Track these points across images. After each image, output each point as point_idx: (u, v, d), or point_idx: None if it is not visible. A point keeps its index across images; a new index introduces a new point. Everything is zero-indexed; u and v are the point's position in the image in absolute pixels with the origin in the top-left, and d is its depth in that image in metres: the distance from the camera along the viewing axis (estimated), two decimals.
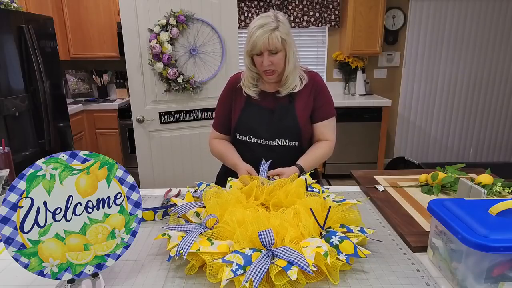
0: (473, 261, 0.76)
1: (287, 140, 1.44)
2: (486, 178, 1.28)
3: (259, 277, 0.78)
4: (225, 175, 1.49)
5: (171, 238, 0.93)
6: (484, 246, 0.72)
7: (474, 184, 1.17)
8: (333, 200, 1.11)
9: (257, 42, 1.30)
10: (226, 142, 1.55)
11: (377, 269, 0.90)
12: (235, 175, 1.35)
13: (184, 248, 0.86)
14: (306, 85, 1.44)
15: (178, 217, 1.05)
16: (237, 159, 1.43)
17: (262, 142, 1.45)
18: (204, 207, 1.06)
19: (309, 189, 1.15)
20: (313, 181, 1.22)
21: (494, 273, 0.76)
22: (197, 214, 1.06)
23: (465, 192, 1.18)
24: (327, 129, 1.48)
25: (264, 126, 1.44)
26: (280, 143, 1.44)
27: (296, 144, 1.45)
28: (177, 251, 0.87)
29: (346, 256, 0.86)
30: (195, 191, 1.23)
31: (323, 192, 1.18)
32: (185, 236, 0.90)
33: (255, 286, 0.77)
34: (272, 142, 1.44)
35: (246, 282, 0.77)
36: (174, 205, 1.15)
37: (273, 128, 1.43)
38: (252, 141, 1.46)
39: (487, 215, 0.82)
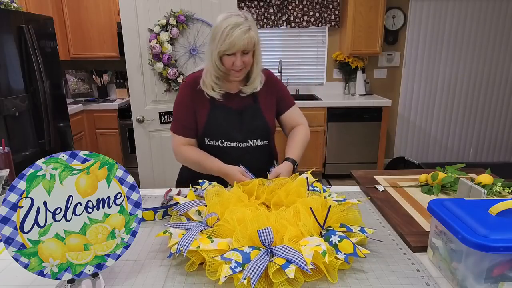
0: (473, 261, 0.76)
1: (258, 140, 1.44)
2: (486, 178, 1.28)
3: (257, 274, 0.78)
4: (187, 179, 1.47)
5: (172, 235, 0.94)
6: (484, 246, 0.72)
7: (474, 184, 1.17)
8: (334, 200, 1.11)
9: (235, 42, 1.25)
10: (196, 148, 1.46)
11: (377, 269, 0.90)
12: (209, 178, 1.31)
13: (184, 245, 0.86)
14: (264, 83, 1.45)
15: (180, 215, 1.05)
16: (221, 163, 1.36)
17: (236, 144, 1.42)
18: (206, 205, 1.07)
19: (310, 188, 1.15)
20: (315, 179, 1.22)
21: (494, 273, 0.76)
22: (199, 213, 1.06)
23: (465, 192, 1.18)
24: (296, 114, 1.54)
25: (236, 128, 1.41)
26: (252, 144, 1.44)
27: (265, 143, 1.46)
28: (177, 248, 0.87)
29: (345, 256, 0.86)
30: (196, 190, 1.23)
31: (325, 191, 1.18)
32: (185, 234, 0.91)
33: (253, 283, 0.77)
34: (245, 143, 1.42)
35: (244, 279, 0.77)
36: (175, 204, 1.15)
37: (245, 129, 1.42)
38: (225, 144, 1.41)
39: (487, 215, 0.82)
